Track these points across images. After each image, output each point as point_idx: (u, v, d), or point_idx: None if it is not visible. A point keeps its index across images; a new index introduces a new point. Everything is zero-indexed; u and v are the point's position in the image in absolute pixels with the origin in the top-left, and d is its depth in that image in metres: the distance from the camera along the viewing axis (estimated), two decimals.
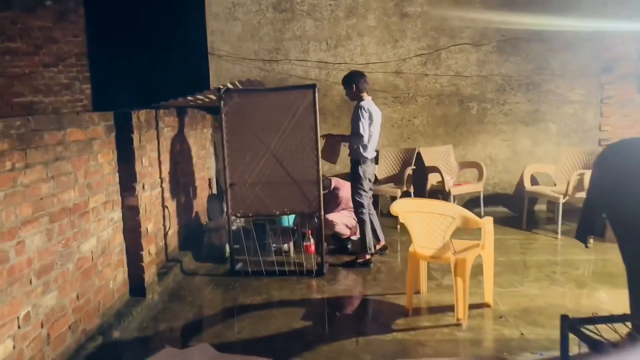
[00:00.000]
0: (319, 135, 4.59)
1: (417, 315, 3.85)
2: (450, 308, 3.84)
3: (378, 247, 5.09)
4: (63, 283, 3.12)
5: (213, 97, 4.85)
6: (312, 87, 4.52)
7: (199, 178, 6.03)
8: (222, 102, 4.54)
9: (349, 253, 5.30)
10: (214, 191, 6.62)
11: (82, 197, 3.39)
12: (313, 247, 5.15)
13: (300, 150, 4.59)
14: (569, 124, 6.73)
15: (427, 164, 6.58)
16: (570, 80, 6.64)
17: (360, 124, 4.72)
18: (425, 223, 3.61)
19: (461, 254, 3.64)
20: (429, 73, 6.71)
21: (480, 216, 6.40)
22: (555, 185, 6.15)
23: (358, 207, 4.90)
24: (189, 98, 4.68)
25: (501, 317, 3.78)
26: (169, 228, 4.97)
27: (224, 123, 4.58)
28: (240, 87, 4.89)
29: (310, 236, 5.17)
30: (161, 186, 4.80)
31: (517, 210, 6.78)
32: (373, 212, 5.01)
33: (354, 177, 4.91)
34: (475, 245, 3.81)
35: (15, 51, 7.58)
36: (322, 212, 4.68)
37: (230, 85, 4.65)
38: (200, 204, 6.04)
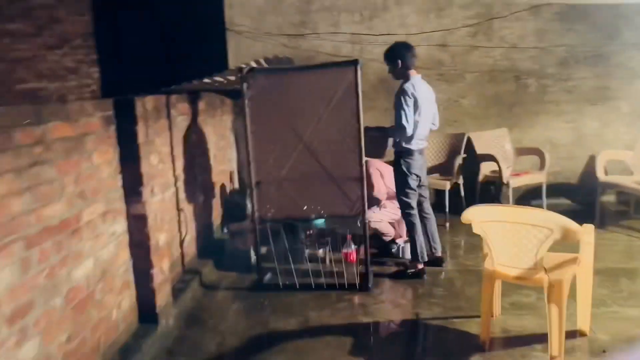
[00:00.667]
0: (362, 123, 3.78)
1: (496, 349, 3.06)
2: (537, 338, 3.06)
3: (432, 257, 4.30)
4: (47, 325, 2.41)
5: (233, 78, 4.07)
6: (354, 63, 3.71)
7: (218, 172, 5.28)
8: (245, 84, 3.76)
9: (394, 257, 4.53)
10: (237, 187, 5.87)
11: (72, 210, 2.66)
12: (354, 255, 4.38)
13: (340, 142, 3.79)
14: None
15: (478, 151, 5.73)
16: None
17: (403, 113, 3.92)
18: (512, 236, 2.80)
19: (555, 274, 2.83)
20: (480, 46, 5.82)
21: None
22: (632, 174, 5.27)
23: (405, 208, 4.11)
24: (206, 81, 3.91)
25: (604, 352, 2.98)
26: (186, 234, 4.24)
27: (247, 110, 3.80)
28: (266, 66, 4.09)
29: (351, 241, 4.39)
30: (175, 186, 4.06)
31: (582, 202, 5.92)
32: (430, 213, 4.22)
33: (397, 173, 4.12)
34: (570, 261, 2.99)
35: (15, 33, 6.87)
36: (367, 216, 3.90)
37: (254, 64, 3.87)
38: (221, 203, 5.31)
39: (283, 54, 5.81)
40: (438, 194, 5.67)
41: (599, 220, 5.21)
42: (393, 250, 4.67)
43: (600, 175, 5.14)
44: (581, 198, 5.97)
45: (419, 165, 4.12)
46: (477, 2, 5.77)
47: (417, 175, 4.10)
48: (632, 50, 5.70)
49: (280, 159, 3.88)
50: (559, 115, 5.92)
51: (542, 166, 5.58)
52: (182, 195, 4.23)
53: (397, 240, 4.70)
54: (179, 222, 4.12)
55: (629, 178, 5.11)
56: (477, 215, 2.89)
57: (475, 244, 4.86)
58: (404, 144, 4.03)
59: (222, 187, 5.39)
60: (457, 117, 5.98)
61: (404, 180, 4.07)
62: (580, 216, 5.70)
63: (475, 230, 2.94)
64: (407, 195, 4.09)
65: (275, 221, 4.04)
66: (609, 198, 5.99)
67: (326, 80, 3.76)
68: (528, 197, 5.80)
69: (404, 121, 3.92)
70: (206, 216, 4.87)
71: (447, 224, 5.41)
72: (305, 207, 3.89)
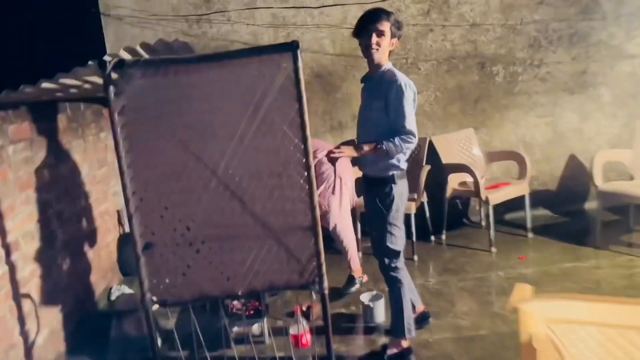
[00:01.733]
0: (309, 137, 2.37)
1: None
2: None
3: (415, 314, 3.01)
4: None
5: (96, 79, 2.53)
6: (292, 47, 2.28)
7: (100, 215, 3.70)
8: (111, 88, 2.23)
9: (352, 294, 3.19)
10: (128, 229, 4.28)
11: None
12: (308, 338, 2.97)
13: (277, 172, 2.37)
14: (626, 88, 4.85)
15: (444, 159, 4.53)
16: (627, 27, 4.74)
17: (410, 114, 2.59)
18: (611, 347, 1.53)
19: None
20: (435, 26, 4.61)
21: (526, 231, 4.60)
22: (632, 179, 4.26)
23: (391, 261, 2.76)
24: (47, 86, 2.35)
25: None
26: (37, 334, 2.66)
27: (119, 130, 2.28)
28: (147, 57, 2.57)
29: (301, 317, 2.98)
30: (8, 261, 2.48)
31: (566, 212, 4.91)
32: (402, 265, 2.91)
33: (383, 207, 2.73)
34: None
35: None
36: (325, 283, 2.51)
37: (125, 55, 2.37)
38: (105, 257, 3.72)
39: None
40: None
41: (599, 236, 4.15)
42: (354, 287, 3.46)
43: (599, 182, 4.09)
44: (563, 207, 4.96)
45: (407, 192, 2.82)
46: None
47: (402, 210, 2.79)
48: (612, 26, 4.72)
49: (181, 206, 2.39)
50: (531, 109, 4.85)
51: (522, 174, 4.46)
52: (29, 268, 2.65)
53: (359, 278, 3.54)
54: (22, 317, 2.54)
55: (631, 185, 4.09)
56: (546, 311, 1.59)
57: (462, 285, 3.63)
58: (400, 163, 2.71)
59: (106, 233, 3.81)
60: None
61: (392, 217, 2.72)
62: (571, 232, 4.58)
63: (535, 332, 1.65)
64: (395, 240, 2.75)
65: (180, 304, 2.56)
66: (592, 205, 5.00)
67: (248, 77, 2.32)
68: (500, 210, 4.68)
69: (414, 127, 2.59)
70: (81, 286, 3.29)
71: (416, 258, 4.16)
72: (228, 280, 2.44)
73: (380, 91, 2.63)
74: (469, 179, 4.34)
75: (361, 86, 2.90)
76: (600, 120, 4.88)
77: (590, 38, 4.74)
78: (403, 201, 2.76)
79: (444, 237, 4.59)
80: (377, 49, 2.62)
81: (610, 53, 4.77)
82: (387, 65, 2.70)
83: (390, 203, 2.68)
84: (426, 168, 4.26)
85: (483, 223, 4.82)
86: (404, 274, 2.79)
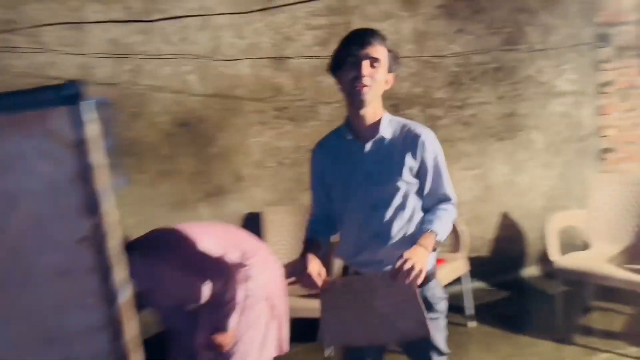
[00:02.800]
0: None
1: None
2: None
3: None
4: None
5: None
6: (67, 95, 1.02)
7: None
8: None
9: None
10: None
11: None
12: None
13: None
14: (559, 131, 4.13)
15: None
16: (556, 59, 4.04)
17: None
18: None
19: None
20: None
21: (465, 318, 3.47)
22: (588, 247, 3.43)
23: None
24: None
25: None
26: None
27: None
28: None
29: None
30: None
31: (501, 284, 4.02)
32: None
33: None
34: None
35: None
36: None
37: None
38: None
39: None
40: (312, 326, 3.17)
41: (561, 321, 3.24)
42: None
43: (556, 256, 3.19)
44: (501, 276, 4.06)
45: None
46: None
47: None
48: (540, 59, 4.00)
49: None
50: (457, 160, 3.94)
51: (457, 246, 3.48)
52: None
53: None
54: None
55: (591, 259, 3.23)
56: None
57: None
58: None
59: None
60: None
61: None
62: (520, 316, 3.38)
63: None
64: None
65: None
66: (531, 270, 4.17)
67: None
68: None
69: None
70: None
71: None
72: None
73: (401, 155, 1.79)
74: None
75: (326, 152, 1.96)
76: (534, 171, 4.09)
77: (517, 73, 3.97)
78: None
79: None
80: (370, 85, 1.72)
81: (539, 90, 4.03)
82: (386, 115, 1.84)
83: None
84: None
85: None
86: None
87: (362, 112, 1.77)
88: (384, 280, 1.64)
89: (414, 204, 1.81)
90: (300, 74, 3.53)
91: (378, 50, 1.73)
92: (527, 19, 3.92)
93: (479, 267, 4.03)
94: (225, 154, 3.47)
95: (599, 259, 3.15)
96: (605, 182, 3.48)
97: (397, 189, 1.78)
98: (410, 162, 1.77)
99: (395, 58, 1.81)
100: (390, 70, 1.79)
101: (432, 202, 1.84)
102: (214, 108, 3.42)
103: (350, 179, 1.82)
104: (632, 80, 4.25)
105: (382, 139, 1.80)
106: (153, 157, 3.30)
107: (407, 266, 1.57)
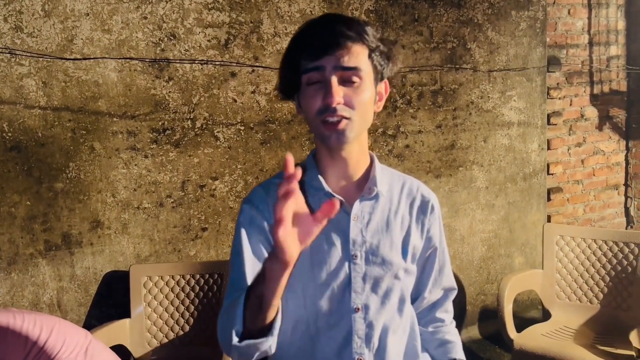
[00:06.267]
0: None
1: None
2: None
3: None
4: None
5: None
6: None
7: None
8: None
9: None
10: None
11: None
12: None
13: None
14: (503, 168, 3.53)
15: None
16: (502, 84, 3.45)
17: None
18: None
19: None
20: (240, 67, 2.72)
21: None
22: (545, 317, 2.79)
23: None
24: None
25: None
26: None
27: None
28: None
29: None
30: None
31: None
32: None
33: None
34: None
35: None
36: None
37: None
38: None
39: None
40: None
41: None
42: None
43: (514, 334, 2.49)
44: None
45: None
46: None
47: None
48: (485, 83, 3.38)
49: None
50: None
51: None
52: None
53: None
54: None
55: (550, 335, 2.58)
56: None
57: None
58: None
59: None
60: (204, 222, 2.73)
61: None
62: None
63: None
64: None
65: None
66: (471, 332, 3.51)
67: None
68: None
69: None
70: None
71: None
72: None
73: (404, 228, 1.22)
74: None
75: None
76: (474, 214, 3.44)
77: (458, 98, 3.32)
78: None
79: None
80: (349, 117, 1.09)
81: (483, 120, 3.41)
82: (376, 160, 1.26)
83: None
84: None
85: None
86: None
87: (343, 154, 1.15)
88: None
89: (409, 305, 1.26)
90: (189, 84, 2.64)
91: (357, 55, 1.07)
92: (472, 34, 3.30)
93: None
94: (76, 190, 2.49)
95: (566, 336, 2.50)
96: (562, 234, 2.88)
97: (397, 281, 1.19)
98: (415, 240, 1.22)
99: (386, 54, 1.13)
100: (381, 78, 1.15)
101: (435, 296, 1.31)
102: (62, 126, 2.43)
103: (321, 263, 1.14)
104: (581, 111, 3.77)
105: (376, 198, 1.20)
106: None
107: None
